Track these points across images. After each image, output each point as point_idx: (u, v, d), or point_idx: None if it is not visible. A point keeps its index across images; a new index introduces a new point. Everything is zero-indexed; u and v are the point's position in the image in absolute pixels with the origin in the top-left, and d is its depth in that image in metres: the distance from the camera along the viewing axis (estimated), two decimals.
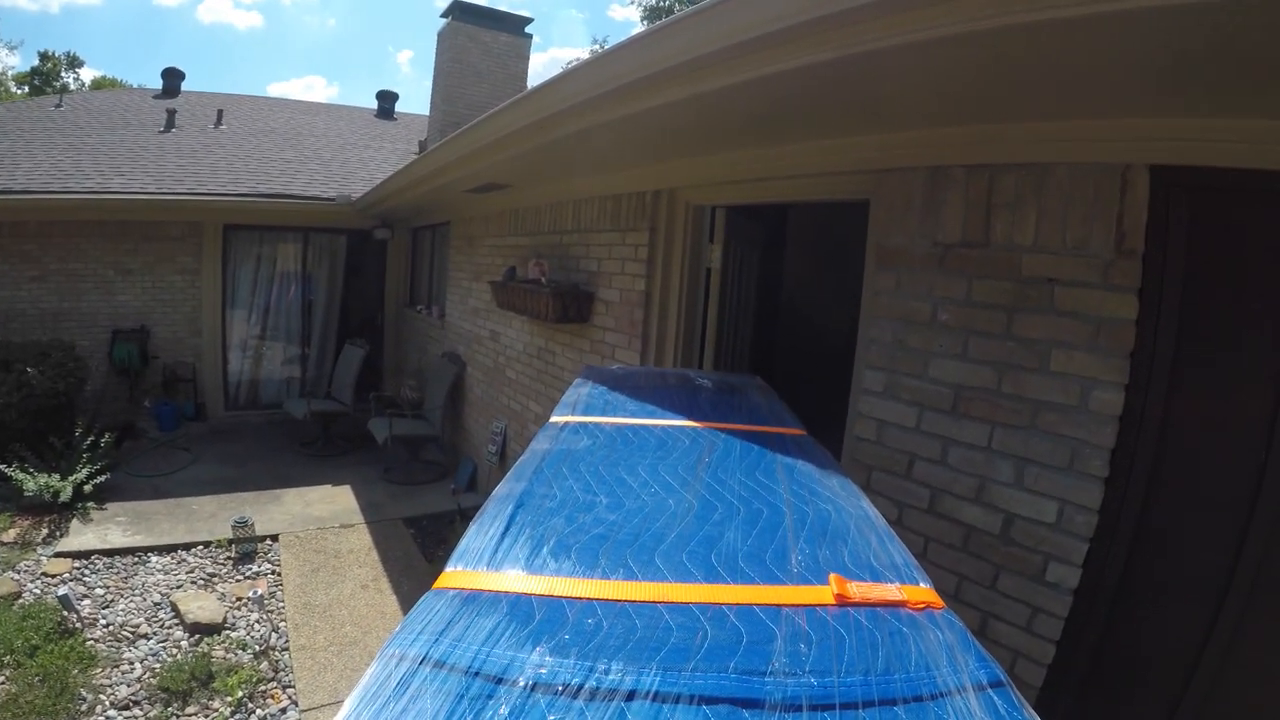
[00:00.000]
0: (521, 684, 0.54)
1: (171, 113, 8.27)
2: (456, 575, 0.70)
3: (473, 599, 0.65)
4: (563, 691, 0.53)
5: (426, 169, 4.31)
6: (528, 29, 8.04)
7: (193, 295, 6.82)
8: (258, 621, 3.34)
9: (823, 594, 0.66)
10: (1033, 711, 0.54)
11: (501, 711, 0.51)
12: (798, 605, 0.64)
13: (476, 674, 0.55)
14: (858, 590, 0.66)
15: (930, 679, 0.55)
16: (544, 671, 0.55)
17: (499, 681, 0.54)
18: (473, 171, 3.73)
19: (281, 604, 3.54)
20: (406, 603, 3.61)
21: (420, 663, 0.56)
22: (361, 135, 9.79)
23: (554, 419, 1.37)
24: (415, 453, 5.68)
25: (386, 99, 11.46)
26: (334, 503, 4.93)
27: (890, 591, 0.67)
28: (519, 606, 0.64)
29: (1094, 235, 1.56)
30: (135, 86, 11.43)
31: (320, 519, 4.60)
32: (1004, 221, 1.68)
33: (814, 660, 0.57)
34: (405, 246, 7.88)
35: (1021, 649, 1.66)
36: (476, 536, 0.78)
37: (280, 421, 6.89)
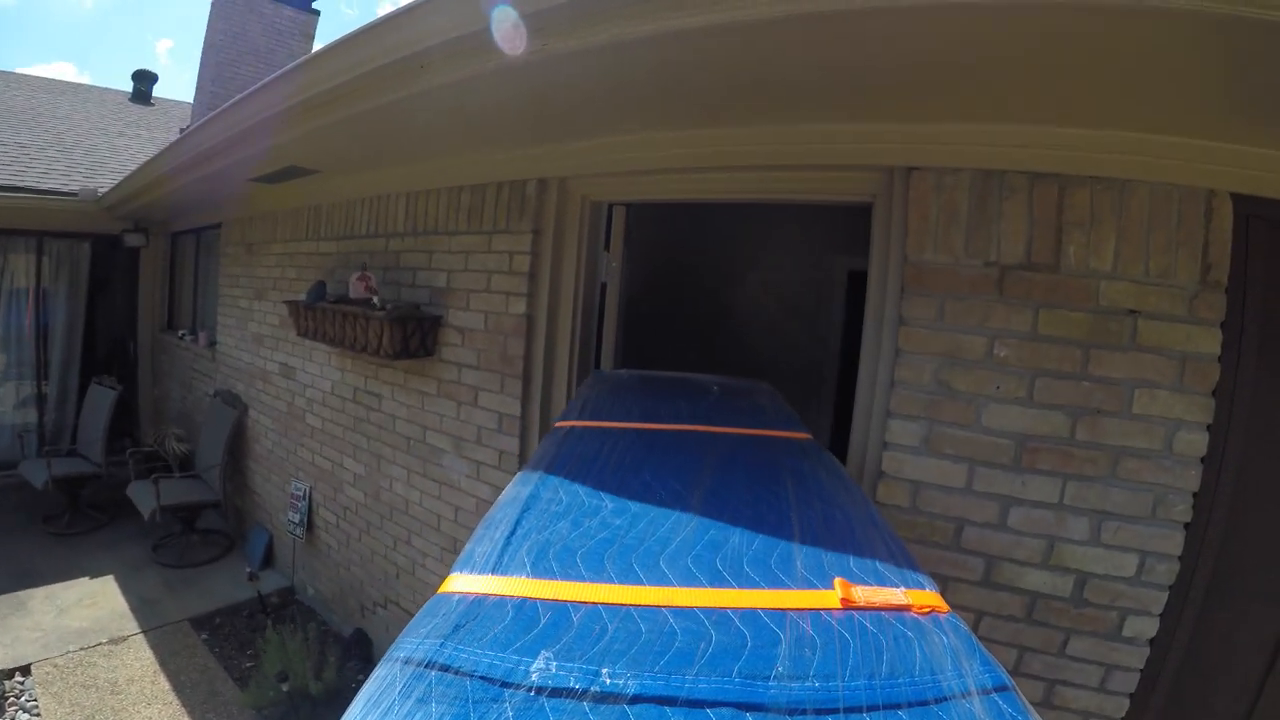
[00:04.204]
0: (526, 688, 0.66)
1: None
2: (462, 579, 0.84)
3: (478, 603, 0.79)
4: (567, 695, 0.65)
5: (201, 146, 3.70)
6: (315, 4, 8.24)
7: None
8: None
9: (828, 598, 0.79)
10: (1038, 716, 0.66)
11: (507, 715, 0.63)
12: (802, 609, 0.77)
13: (482, 678, 0.67)
14: (862, 594, 0.79)
15: (935, 683, 0.67)
16: (549, 676, 0.67)
17: (504, 685, 0.66)
18: (269, 149, 3.23)
19: None
20: None
21: (426, 667, 0.68)
22: (113, 121, 9.49)
23: (559, 424, 1.57)
24: (191, 522, 5.27)
25: (143, 80, 11.24)
26: (96, 605, 4.33)
27: (895, 595, 0.79)
28: (524, 611, 0.78)
29: (1179, 264, 1.71)
30: None
31: (82, 633, 3.99)
32: (1078, 243, 1.79)
33: (818, 664, 0.69)
34: (162, 255, 7.38)
35: (1093, 710, 1.78)
36: (482, 541, 0.93)
37: (17, 486, 6.02)
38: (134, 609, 4.31)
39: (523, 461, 2.84)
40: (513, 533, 0.95)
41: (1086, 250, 1.79)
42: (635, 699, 0.65)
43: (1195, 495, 1.71)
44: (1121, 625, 1.77)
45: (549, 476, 1.19)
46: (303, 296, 3.74)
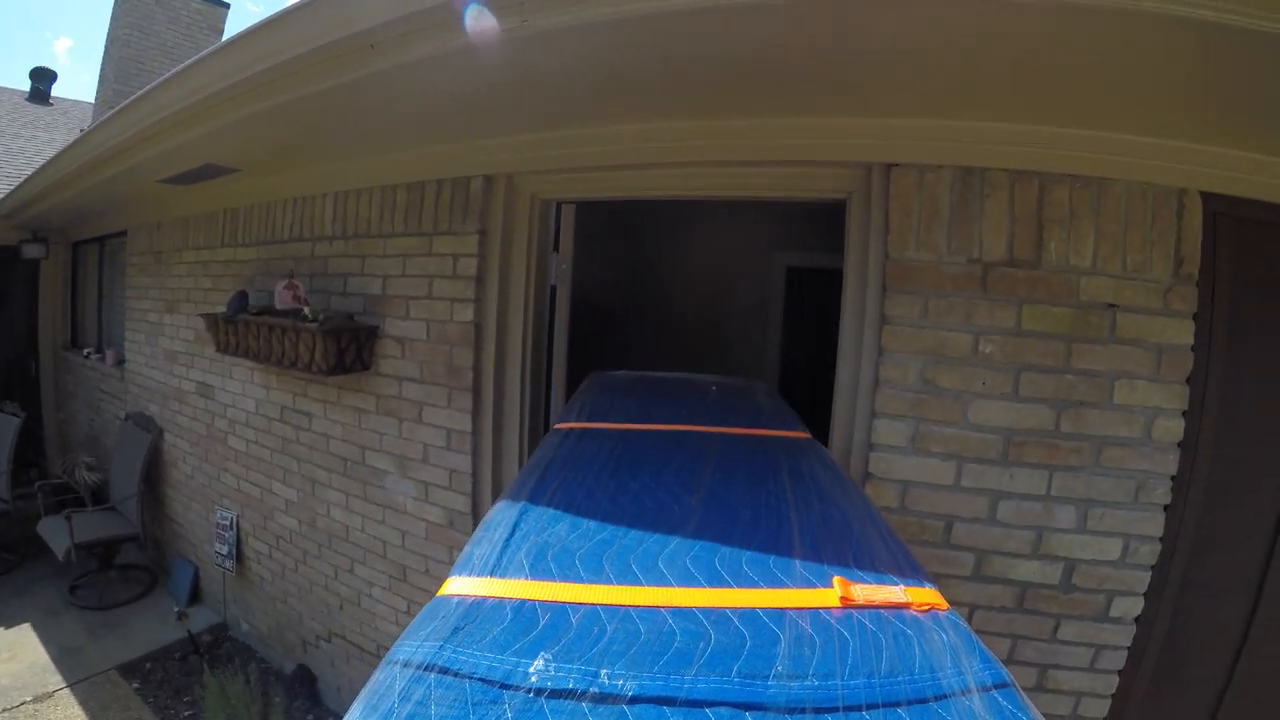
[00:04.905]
0: (525, 690, 0.66)
1: None
2: (461, 582, 0.84)
3: (477, 606, 0.79)
4: (566, 696, 0.65)
5: (107, 143, 3.39)
6: None
7: None
8: None
9: (827, 597, 0.79)
10: (1037, 712, 0.66)
11: (506, 717, 0.63)
12: (801, 608, 0.77)
13: (481, 680, 0.67)
14: (861, 593, 0.79)
15: (934, 681, 0.67)
16: (548, 677, 0.68)
17: (503, 687, 0.66)
18: (184, 144, 2.90)
19: None
20: None
21: (424, 669, 0.68)
22: (9, 122, 9.06)
23: (558, 426, 1.58)
24: (109, 558, 4.90)
25: (42, 78, 10.80)
26: (15, 658, 3.95)
27: (894, 593, 0.80)
28: (523, 613, 0.77)
29: (1154, 259, 1.78)
30: None
31: (2, 691, 3.65)
32: (1059, 239, 1.83)
33: (817, 663, 0.69)
34: (63, 266, 6.81)
35: (1085, 689, 1.86)
36: (480, 543, 0.93)
37: None
38: (56, 660, 3.97)
39: (477, 480, 2.74)
40: (511, 535, 0.95)
41: (1067, 247, 1.83)
42: (634, 699, 0.65)
43: (1173, 478, 1.81)
44: (1109, 606, 1.84)
45: (547, 478, 1.19)
46: (222, 309, 3.43)
